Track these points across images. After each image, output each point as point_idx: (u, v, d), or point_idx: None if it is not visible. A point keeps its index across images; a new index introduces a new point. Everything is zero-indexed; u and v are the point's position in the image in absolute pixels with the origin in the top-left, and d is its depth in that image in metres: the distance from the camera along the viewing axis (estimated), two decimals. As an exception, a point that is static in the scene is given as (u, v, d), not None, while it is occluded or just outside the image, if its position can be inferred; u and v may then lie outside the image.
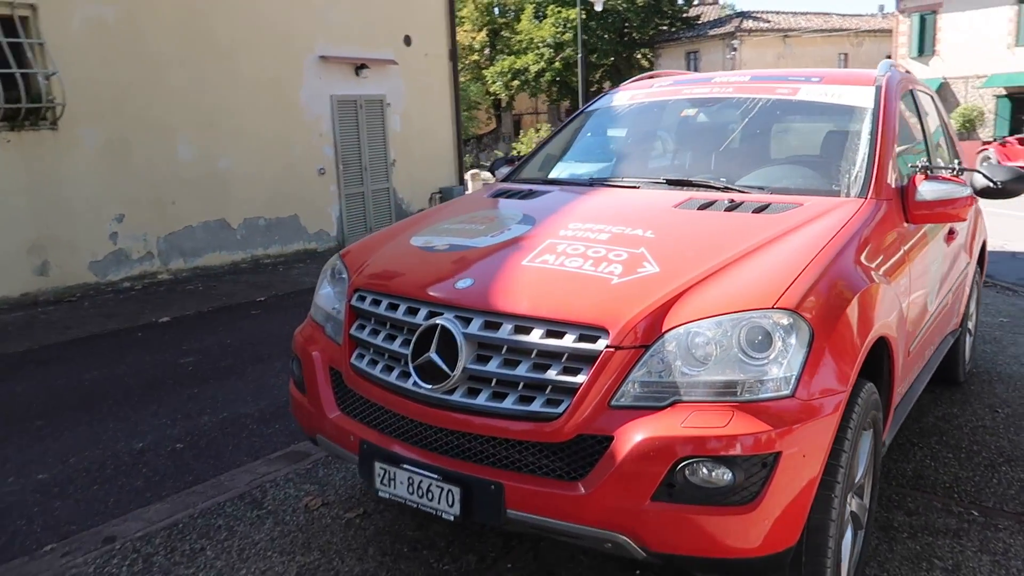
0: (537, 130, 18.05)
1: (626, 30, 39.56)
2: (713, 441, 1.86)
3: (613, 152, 3.61)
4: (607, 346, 1.98)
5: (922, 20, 32.22)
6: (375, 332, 2.40)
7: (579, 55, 30.20)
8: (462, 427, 2.11)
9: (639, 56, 40.75)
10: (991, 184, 2.91)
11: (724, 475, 1.86)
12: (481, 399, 2.08)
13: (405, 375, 2.24)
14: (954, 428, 3.96)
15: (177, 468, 3.68)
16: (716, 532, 1.88)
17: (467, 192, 13.31)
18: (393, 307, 2.35)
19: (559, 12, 37.53)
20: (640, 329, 1.98)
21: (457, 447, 2.14)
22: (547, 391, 2.03)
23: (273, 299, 7.72)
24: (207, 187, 9.15)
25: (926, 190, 2.80)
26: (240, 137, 9.43)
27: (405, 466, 2.19)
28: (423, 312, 2.25)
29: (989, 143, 20.97)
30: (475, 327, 2.13)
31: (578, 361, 2.01)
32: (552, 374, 2.02)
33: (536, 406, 2.02)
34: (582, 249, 2.32)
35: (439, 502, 2.12)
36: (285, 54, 9.91)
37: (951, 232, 3.48)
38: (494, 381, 2.09)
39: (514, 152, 17.03)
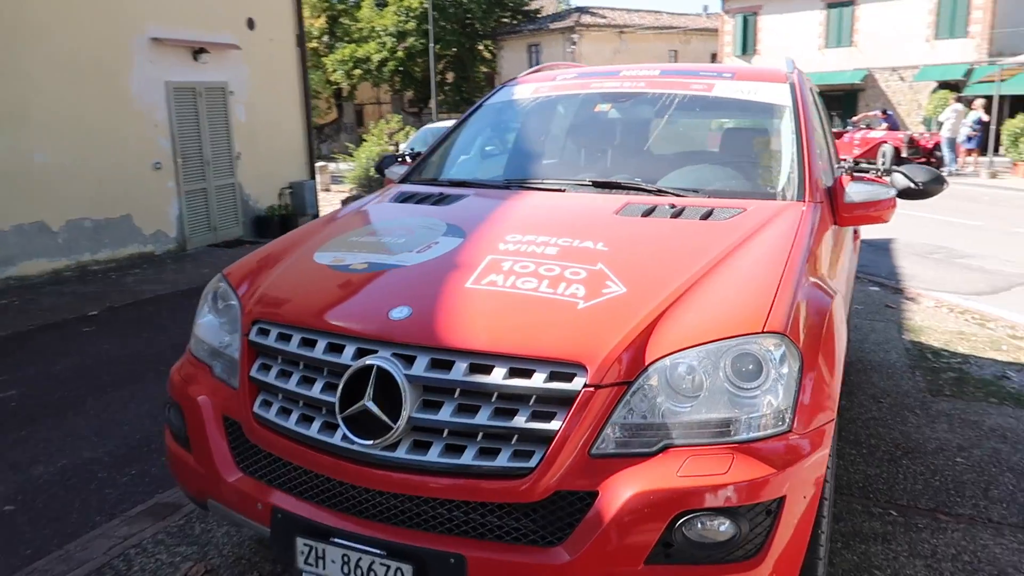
0: (387, 121, 17.39)
1: (468, 21, 39.45)
2: (714, 492, 1.61)
3: (525, 150, 3.32)
4: (585, 385, 1.68)
5: (744, 21, 34.47)
6: (284, 374, 1.96)
7: (430, 44, 29.77)
8: (408, 489, 1.74)
9: (481, 48, 40.82)
10: (912, 185, 2.90)
11: (726, 529, 1.63)
12: (432, 454, 1.72)
13: (330, 427, 1.83)
14: (849, 422, 4.03)
15: (8, 539, 3.00)
16: None
17: (317, 186, 12.56)
18: (308, 343, 1.92)
19: (401, 1, 36.77)
20: (623, 363, 1.70)
21: (403, 513, 1.77)
22: (513, 441, 1.70)
23: (107, 313, 6.79)
24: (20, 185, 7.93)
25: (854, 192, 2.73)
26: (59, 128, 8.25)
27: (337, 540, 1.78)
28: (350, 349, 1.85)
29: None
30: (420, 367, 1.76)
31: (550, 404, 1.70)
32: (520, 421, 1.69)
33: (502, 460, 1.69)
34: (532, 267, 2.01)
35: (389, 586, 1.74)
36: (110, 34, 8.78)
37: (856, 231, 3.49)
38: (446, 432, 1.74)
39: (367, 142, 16.32)
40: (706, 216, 2.38)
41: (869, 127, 20.98)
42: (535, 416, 1.70)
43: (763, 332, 1.75)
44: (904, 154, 19.40)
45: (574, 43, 38.83)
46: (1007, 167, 18.71)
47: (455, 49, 38.99)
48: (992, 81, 22.21)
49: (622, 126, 3.28)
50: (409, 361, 1.77)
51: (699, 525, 1.63)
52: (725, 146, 3.18)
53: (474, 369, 1.74)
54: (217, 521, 2.93)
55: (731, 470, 1.64)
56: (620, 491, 1.63)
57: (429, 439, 1.74)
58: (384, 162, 3.69)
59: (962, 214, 11.97)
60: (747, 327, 1.76)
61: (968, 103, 20.27)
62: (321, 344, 1.89)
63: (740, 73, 3.29)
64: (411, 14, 35.93)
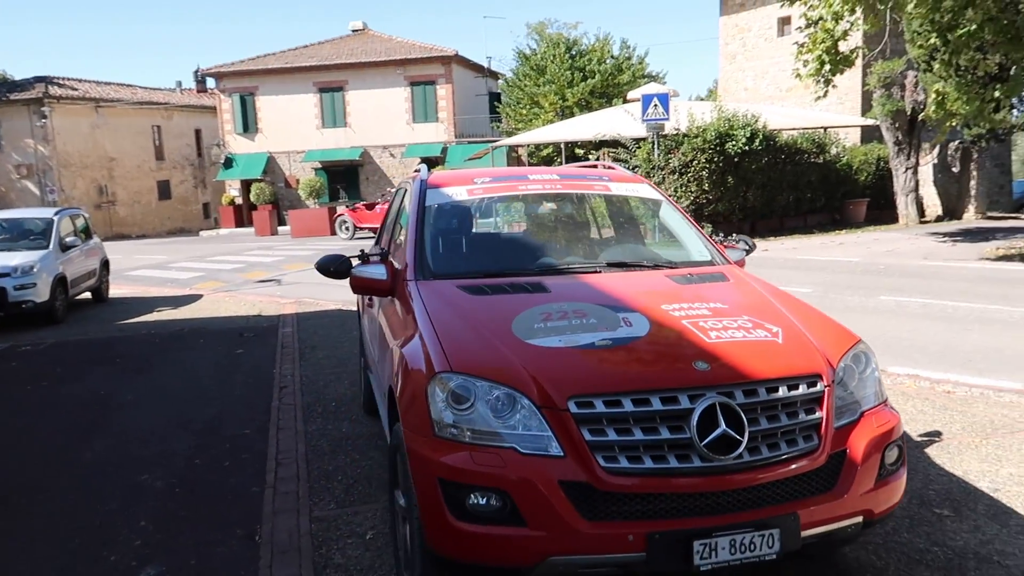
0: None
1: None
2: (900, 427, 2.80)
3: (514, 242, 3.95)
4: (825, 385, 2.70)
5: (243, 100, 35.38)
6: (624, 431, 2.46)
7: None
8: (753, 482, 2.48)
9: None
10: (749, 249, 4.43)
11: (899, 449, 2.82)
12: (764, 453, 2.52)
13: (683, 457, 2.45)
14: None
15: None
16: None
17: None
18: (642, 402, 2.48)
19: None
20: (828, 370, 2.75)
21: (747, 499, 2.50)
22: (799, 432, 2.62)
23: None
24: None
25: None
26: None
27: (721, 534, 2.42)
28: (683, 398, 2.50)
29: (344, 210, 24.65)
30: (739, 397, 2.54)
31: (812, 403, 2.66)
32: (802, 417, 2.61)
33: (802, 445, 2.59)
34: (721, 323, 2.88)
35: (761, 549, 2.45)
36: None
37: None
38: (761, 436, 2.55)
39: None
40: (717, 279, 3.53)
41: (395, 198, 23.91)
42: (807, 412, 2.64)
43: (860, 340, 3.00)
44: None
45: (45, 116, 34.46)
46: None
47: None
48: (476, 158, 27.51)
49: (567, 219, 4.19)
50: (729, 395, 2.53)
51: (894, 449, 2.78)
52: (649, 229, 4.33)
53: (769, 391, 2.60)
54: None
55: (892, 418, 2.84)
56: (856, 444, 2.68)
57: (755, 444, 2.53)
58: (335, 261, 3.91)
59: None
60: (853, 337, 2.99)
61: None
62: (655, 400, 2.48)
63: (612, 176, 4.49)
64: None
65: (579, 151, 26.17)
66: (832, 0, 11.80)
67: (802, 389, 2.64)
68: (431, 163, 34.65)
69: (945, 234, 17.50)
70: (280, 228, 30.14)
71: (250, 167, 34.55)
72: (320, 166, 35.19)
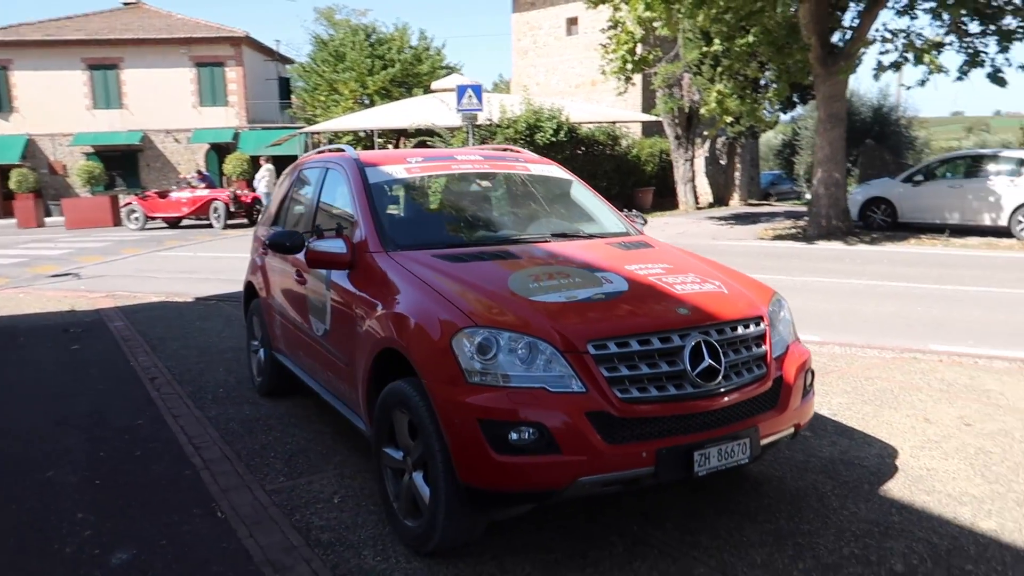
0: None
1: None
2: (810, 358, 3.53)
3: (460, 215, 4.23)
4: (765, 325, 3.35)
5: (-6, 75, 31.17)
6: (632, 366, 2.92)
7: None
8: (731, 403, 3.07)
9: None
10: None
11: (811, 373, 3.56)
12: (736, 381, 3.11)
13: (678, 385, 2.98)
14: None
15: None
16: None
17: None
18: (644, 342, 2.96)
19: None
20: (766, 313, 3.42)
21: (726, 416, 3.07)
22: (754, 361, 3.24)
23: None
24: None
25: None
26: None
27: (711, 445, 2.97)
28: (673, 338, 3.01)
29: (132, 199, 22.75)
30: (714, 336, 3.11)
31: (759, 339, 3.30)
32: (755, 350, 3.25)
33: (758, 372, 3.22)
34: (677, 279, 3.44)
35: (738, 456, 3.04)
36: None
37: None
38: (735, 366, 3.14)
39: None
40: (646, 244, 4.11)
41: (191, 186, 22.46)
42: (757, 346, 3.27)
43: (776, 292, 3.71)
44: (232, 209, 21.66)
45: None
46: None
47: None
48: (279, 144, 26.51)
49: (500, 195, 4.54)
50: (707, 334, 3.09)
51: (809, 374, 3.50)
52: (571, 205, 4.76)
53: (732, 330, 3.19)
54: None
55: (805, 351, 3.56)
56: (788, 371, 3.36)
57: (728, 373, 3.10)
58: (290, 236, 4.01)
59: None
60: (770, 289, 3.69)
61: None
62: (655, 340, 2.98)
63: (525, 157, 4.93)
64: None
65: (379, 140, 26.20)
66: (637, 6, 13.06)
67: (752, 328, 3.28)
68: (221, 150, 32.82)
69: (720, 218, 19.93)
70: (48, 219, 26.99)
71: (4, 151, 30.54)
72: (92, 151, 31.95)
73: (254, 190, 23.35)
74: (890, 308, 8.82)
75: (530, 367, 2.88)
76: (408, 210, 4.28)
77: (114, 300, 10.89)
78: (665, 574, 3.08)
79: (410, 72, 31.30)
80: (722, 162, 24.97)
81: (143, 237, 20.24)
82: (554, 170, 4.87)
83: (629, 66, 14.89)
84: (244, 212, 22.19)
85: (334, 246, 3.83)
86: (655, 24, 13.31)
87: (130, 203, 22.42)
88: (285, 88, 37.77)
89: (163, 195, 22.58)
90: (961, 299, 9.35)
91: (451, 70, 32.83)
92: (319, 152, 5.44)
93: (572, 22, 28.13)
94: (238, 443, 4.80)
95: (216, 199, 21.57)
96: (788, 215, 20.32)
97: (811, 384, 3.57)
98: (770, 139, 34.36)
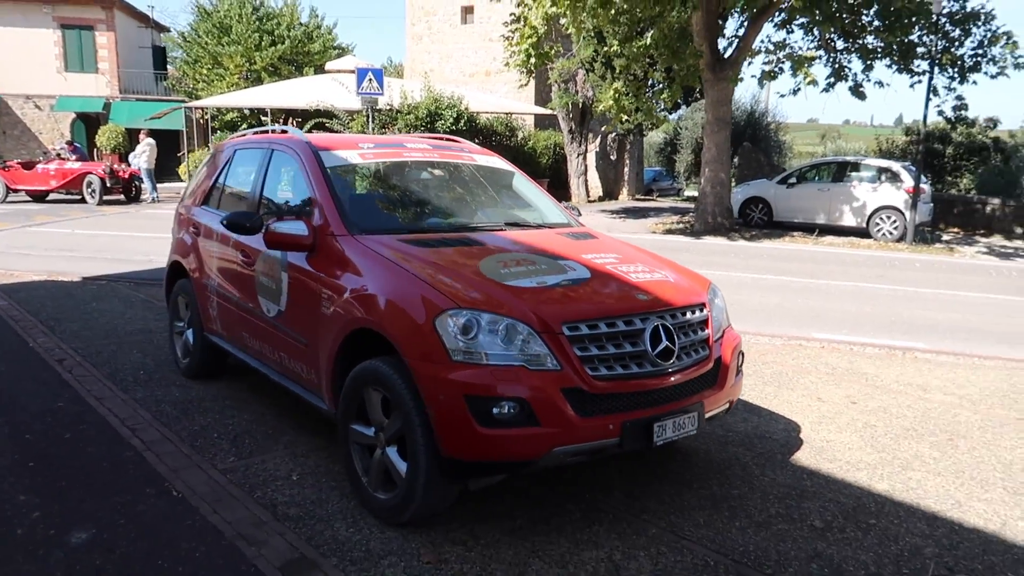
0: None
1: None
2: (741, 341, 3.95)
3: (415, 201, 4.37)
4: (707, 312, 3.72)
5: None
6: (601, 347, 3.20)
7: None
8: (683, 380, 3.41)
9: None
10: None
11: (741, 355, 3.97)
12: (686, 361, 3.46)
13: (639, 364, 3.29)
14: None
15: None
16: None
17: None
18: (611, 325, 3.24)
19: None
20: (706, 301, 3.79)
21: (678, 392, 3.41)
22: (699, 344, 3.61)
23: None
24: None
25: None
26: None
27: (667, 418, 3.30)
28: (636, 321, 3.32)
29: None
30: (668, 320, 3.44)
31: (703, 324, 3.67)
32: (700, 334, 3.61)
33: (703, 353, 3.58)
34: (630, 268, 3.75)
35: (688, 428, 3.39)
36: None
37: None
38: (685, 347, 3.48)
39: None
40: (591, 235, 4.41)
41: (61, 158, 20.98)
42: (701, 330, 3.63)
43: (711, 281, 4.10)
44: (108, 185, 20.42)
45: None
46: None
47: None
48: (158, 117, 25.14)
49: (451, 184, 4.70)
50: (662, 318, 3.42)
51: (740, 356, 3.91)
52: (513, 195, 4.96)
53: (682, 315, 3.53)
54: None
55: (737, 336, 3.97)
56: (725, 353, 3.75)
57: (680, 354, 3.44)
58: (250, 217, 4.03)
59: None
60: (707, 279, 4.08)
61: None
62: (619, 323, 3.27)
63: (470, 148, 5.11)
64: None
65: (264, 118, 25.41)
66: (544, 2, 13.41)
67: (697, 314, 3.65)
68: (90, 120, 30.71)
69: (612, 212, 20.74)
70: None
71: None
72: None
73: (130, 165, 22.08)
74: (774, 299, 9.62)
75: (508, 346, 3.10)
76: (366, 195, 4.38)
77: (-15, 277, 10.17)
78: (623, 535, 3.41)
79: (300, 50, 30.43)
80: (612, 158, 25.90)
81: (7, 211, 18.72)
82: (497, 161, 5.09)
83: (532, 60, 15.23)
84: (121, 188, 20.96)
85: (295, 228, 3.89)
86: (561, 21, 13.70)
87: (-11, 174, 20.65)
88: (161, 57, 35.71)
89: (28, 166, 20.94)
90: (833, 292, 10.33)
91: (343, 51, 32.17)
92: (257, 133, 5.40)
93: (468, 11, 28.20)
94: (176, 425, 4.74)
95: (90, 173, 20.23)
96: (674, 211, 21.39)
97: (741, 365, 3.98)
98: (651, 137, 35.81)
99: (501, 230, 4.24)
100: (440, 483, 3.20)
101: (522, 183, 5.03)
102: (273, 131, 5.18)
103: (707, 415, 3.57)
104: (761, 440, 4.68)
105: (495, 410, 3.02)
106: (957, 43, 15.72)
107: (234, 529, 3.42)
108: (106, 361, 6.14)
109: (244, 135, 5.61)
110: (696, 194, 18.51)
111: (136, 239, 14.03)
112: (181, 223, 5.80)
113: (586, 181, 23.86)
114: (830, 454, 4.49)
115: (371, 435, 3.48)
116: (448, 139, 5.31)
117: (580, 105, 22.25)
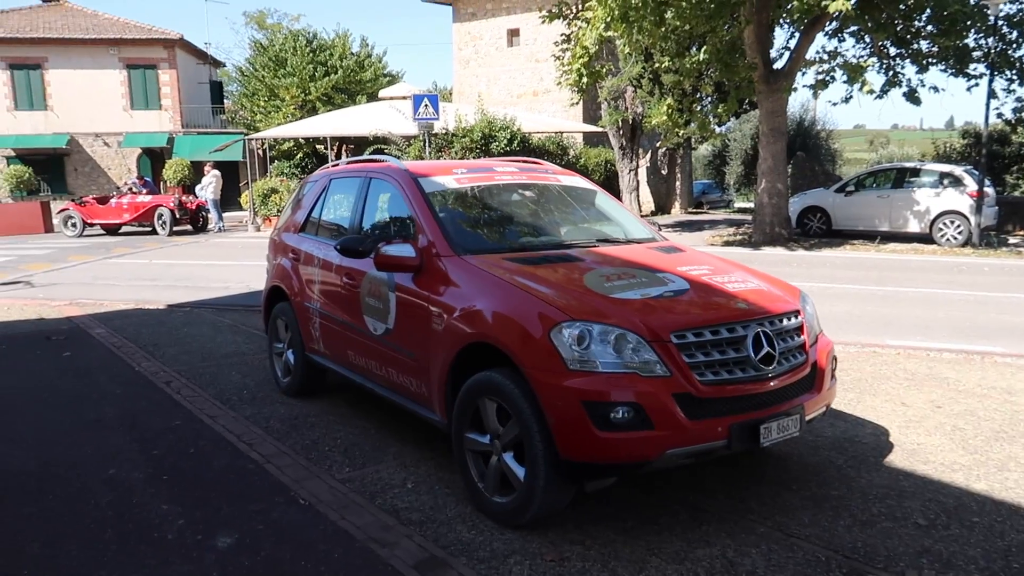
0: None
1: None
2: (833, 347, 4.08)
3: (515, 222, 4.64)
4: (802, 318, 3.88)
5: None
6: (707, 353, 3.39)
7: None
8: (780, 385, 3.57)
9: None
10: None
11: (835, 360, 4.10)
12: (787, 365, 3.62)
13: (743, 369, 3.46)
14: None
15: None
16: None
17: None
18: (715, 333, 3.43)
19: None
20: (799, 308, 3.95)
21: (780, 396, 3.57)
22: (796, 349, 3.76)
23: None
24: None
25: None
26: None
27: (771, 421, 3.46)
28: (738, 328, 3.49)
29: (69, 205, 22.06)
30: (768, 326, 3.61)
31: (799, 330, 3.82)
32: (797, 339, 3.77)
33: (800, 358, 3.74)
34: (725, 278, 3.93)
35: (791, 430, 3.54)
36: None
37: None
38: (785, 352, 3.64)
39: None
40: (678, 251, 4.60)
41: (132, 192, 21.94)
42: (797, 336, 3.79)
43: (801, 290, 4.25)
44: (177, 216, 21.29)
45: None
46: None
47: None
48: (221, 150, 26.11)
49: (540, 204, 4.96)
50: (763, 325, 3.59)
51: (834, 362, 4.04)
52: (596, 214, 5.20)
53: (780, 321, 3.70)
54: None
55: (830, 342, 4.10)
56: (820, 358, 3.89)
57: (781, 359, 3.60)
58: (362, 242, 4.34)
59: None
60: (797, 288, 4.23)
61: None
62: (723, 331, 3.45)
63: (552, 169, 5.36)
64: None
65: (319, 147, 26.14)
66: (598, 25, 13.70)
67: (793, 320, 3.80)
68: (154, 155, 32.01)
69: (667, 225, 20.78)
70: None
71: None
72: (14, 154, 30.65)
73: (196, 196, 22.96)
74: (843, 307, 9.62)
75: (620, 354, 3.31)
76: (466, 217, 4.65)
77: (80, 308, 10.76)
78: (732, 534, 3.56)
79: (352, 79, 31.28)
80: (663, 172, 25.98)
81: (87, 244, 19.67)
82: (580, 180, 5.32)
83: (584, 79, 15.51)
84: (189, 219, 21.84)
85: (404, 251, 4.17)
86: (617, 42, 13.96)
87: (67, 209, 21.72)
88: (218, 92, 37.07)
89: (103, 201, 21.98)
90: (901, 299, 10.28)
91: (393, 78, 32.97)
92: (351, 163, 5.73)
93: (513, 33, 28.68)
94: (287, 439, 5.05)
95: (161, 205, 21.14)
96: (728, 223, 21.38)
97: (835, 370, 4.12)
98: (699, 151, 35.79)
99: (594, 246, 4.46)
100: (558, 485, 3.41)
101: (605, 201, 5.24)
102: (368, 161, 5.50)
103: (808, 418, 3.71)
104: (851, 444, 4.77)
105: (612, 415, 3.22)
106: (1015, 45, 15.50)
107: (364, 533, 3.67)
108: (209, 382, 6.52)
109: (336, 164, 5.95)
110: (748, 205, 18.49)
111: (211, 267, 14.65)
112: (277, 250, 6.15)
113: (638, 196, 23.96)
114: (923, 456, 4.57)
115: (486, 443, 3.71)
116: (532, 162, 5.57)
117: (630, 121, 22.43)
